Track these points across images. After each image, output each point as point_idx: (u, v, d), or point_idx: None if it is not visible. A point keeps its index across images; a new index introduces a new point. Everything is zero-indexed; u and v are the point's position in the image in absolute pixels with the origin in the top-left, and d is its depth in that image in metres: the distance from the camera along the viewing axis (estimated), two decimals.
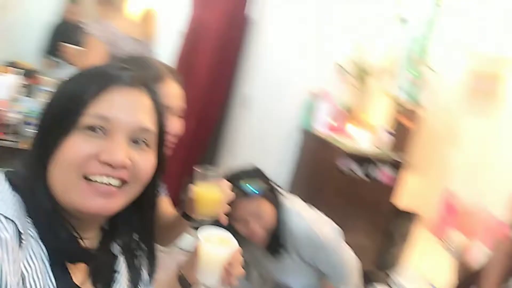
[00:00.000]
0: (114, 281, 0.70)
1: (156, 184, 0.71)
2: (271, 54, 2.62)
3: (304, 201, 1.63)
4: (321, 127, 2.53)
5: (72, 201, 0.60)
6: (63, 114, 0.60)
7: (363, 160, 2.48)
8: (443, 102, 2.98)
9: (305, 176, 2.54)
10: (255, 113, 2.70)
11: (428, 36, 2.61)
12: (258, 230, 1.45)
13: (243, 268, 0.90)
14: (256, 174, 1.48)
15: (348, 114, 2.71)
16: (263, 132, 2.66)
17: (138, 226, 0.73)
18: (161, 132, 0.68)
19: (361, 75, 2.70)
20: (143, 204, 0.70)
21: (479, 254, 1.96)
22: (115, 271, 0.70)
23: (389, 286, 2.32)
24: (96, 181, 0.60)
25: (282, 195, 1.53)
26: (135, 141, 0.63)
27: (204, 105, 2.79)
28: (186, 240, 1.36)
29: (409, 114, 2.79)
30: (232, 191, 1.20)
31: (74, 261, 0.63)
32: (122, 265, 0.72)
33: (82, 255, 0.64)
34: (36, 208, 0.59)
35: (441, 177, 3.00)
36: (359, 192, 2.44)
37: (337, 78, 2.71)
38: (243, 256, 1.01)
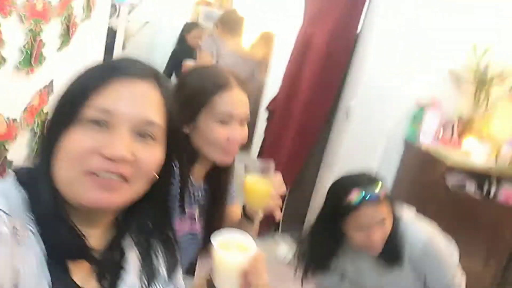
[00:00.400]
0: (119, 279, 0.67)
1: (167, 179, 0.69)
2: (376, 65, 2.54)
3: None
4: (428, 139, 2.34)
5: (74, 194, 0.59)
6: (66, 107, 0.60)
7: (479, 176, 2.20)
8: None
9: (405, 192, 2.36)
10: (357, 125, 2.63)
11: None
12: (380, 238, 1.36)
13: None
14: (378, 178, 1.40)
15: (463, 125, 2.44)
16: (364, 145, 2.57)
17: (152, 221, 0.71)
18: (171, 127, 0.66)
19: (482, 81, 2.41)
20: (155, 199, 0.69)
21: None
22: (121, 268, 0.68)
23: None
24: (98, 175, 0.58)
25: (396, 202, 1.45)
26: (141, 134, 0.61)
27: (306, 117, 2.83)
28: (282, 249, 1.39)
29: None
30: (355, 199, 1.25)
31: (74, 258, 0.61)
32: (132, 262, 0.70)
33: (82, 253, 0.62)
34: (38, 202, 0.59)
35: None
36: (473, 212, 2.17)
37: (450, 87, 2.47)
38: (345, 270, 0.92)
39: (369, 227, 1.34)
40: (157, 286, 0.74)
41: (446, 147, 2.35)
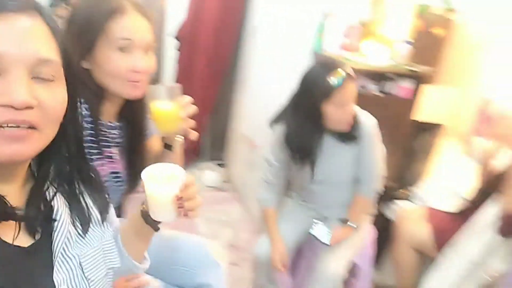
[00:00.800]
0: (52, 230, 0.66)
1: (75, 119, 0.66)
2: None
3: None
4: (332, 47, 2.45)
5: None
6: None
7: (378, 76, 2.39)
8: (481, 4, 2.72)
9: None
10: (264, 43, 2.65)
11: None
12: (353, 112, 1.67)
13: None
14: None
15: (362, 30, 2.57)
16: (276, 61, 2.62)
17: (69, 165, 0.68)
18: (68, 61, 0.61)
19: None
20: (67, 141, 0.66)
21: (505, 158, 1.90)
22: (51, 218, 0.66)
23: (411, 201, 2.33)
24: (2, 127, 0.53)
25: None
26: (37, 76, 0.56)
27: (215, 43, 2.78)
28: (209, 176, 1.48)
29: (441, 21, 2.60)
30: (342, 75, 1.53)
31: None
32: (61, 211, 0.67)
33: (4, 214, 0.59)
34: None
35: (474, 86, 2.83)
36: (374, 109, 2.39)
37: None
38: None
39: (348, 103, 1.62)
40: (94, 229, 0.73)
41: (348, 52, 2.49)
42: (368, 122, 1.76)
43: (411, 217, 2.14)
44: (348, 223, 1.87)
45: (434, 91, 2.50)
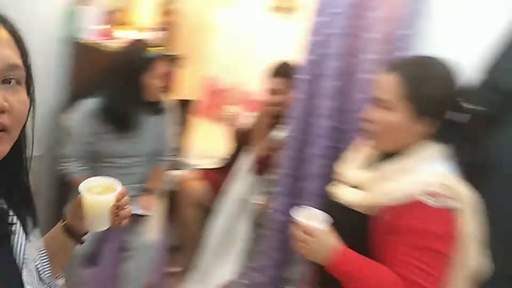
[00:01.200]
0: (13, 233, 0.66)
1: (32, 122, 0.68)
2: None
3: None
4: (88, 34, 2.46)
5: None
6: None
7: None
8: None
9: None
10: None
11: None
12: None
13: None
14: None
15: (116, 17, 2.68)
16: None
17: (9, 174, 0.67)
18: (28, 67, 0.65)
19: None
20: (25, 145, 0.68)
21: (246, 119, 2.49)
22: (11, 224, 0.65)
23: (185, 168, 2.72)
24: None
25: None
26: (5, 81, 0.59)
27: None
28: None
29: (169, 9, 2.99)
30: None
31: None
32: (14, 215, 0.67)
33: None
34: None
35: (205, 65, 3.43)
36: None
37: None
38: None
39: (162, 75, 1.98)
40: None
41: (104, 38, 2.56)
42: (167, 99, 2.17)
43: (189, 180, 2.53)
44: (151, 192, 2.09)
45: (183, 71, 2.94)
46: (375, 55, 1.62)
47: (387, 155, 1.11)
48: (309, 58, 1.75)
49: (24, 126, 0.66)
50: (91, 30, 2.48)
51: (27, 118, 0.65)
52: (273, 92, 2.18)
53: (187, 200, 2.47)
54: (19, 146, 0.66)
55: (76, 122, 1.94)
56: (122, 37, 2.62)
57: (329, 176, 1.80)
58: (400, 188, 1.01)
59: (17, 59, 0.62)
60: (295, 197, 1.83)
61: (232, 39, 3.18)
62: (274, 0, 2.93)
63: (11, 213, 0.67)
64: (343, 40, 1.68)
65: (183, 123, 2.89)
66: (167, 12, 3.04)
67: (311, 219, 1.04)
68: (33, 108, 0.68)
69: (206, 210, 2.49)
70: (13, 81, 0.61)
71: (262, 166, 2.25)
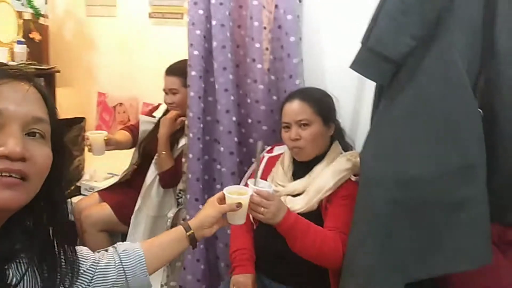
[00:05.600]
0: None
1: (59, 177, 0.69)
2: None
3: None
4: None
5: None
6: None
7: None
8: (66, 8, 3.02)
9: None
10: None
11: None
12: None
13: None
14: None
15: None
16: None
17: (43, 225, 0.70)
18: (54, 124, 0.69)
19: None
20: (50, 199, 0.69)
21: (145, 126, 2.32)
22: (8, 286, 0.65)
23: (82, 193, 2.47)
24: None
25: None
26: (29, 133, 0.63)
27: None
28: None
29: (37, 26, 2.74)
30: None
31: None
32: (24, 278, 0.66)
33: None
34: None
35: (92, 80, 3.19)
36: None
37: None
38: None
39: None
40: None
41: None
42: None
43: (88, 205, 2.28)
44: None
45: (64, 90, 2.68)
46: (261, 44, 1.61)
47: (303, 162, 1.48)
48: (195, 54, 1.68)
49: (54, 184, 0.68)
50: None
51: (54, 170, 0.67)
52: (170, 91, 2.07)
53: (90, 228, 2.22)
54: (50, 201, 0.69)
55: None
56: None
57: (240, 174, 1.75)
58: (333, 179, 1.39)
59: (43, 114, 0.66)
60: None
61: (116, 50, 2.99)
62: (153, 6, 2.81)
63: (13, 269, 0.66)
64: (228, 31, 1.64)
65: (75, 143, 2.62)
66: (33, 28, 2.80)
67: (264, 187, 1.22)
68: (58, 165, 0.69)
69: (112, 234, 2.27)
70: (37, 135, 0.65)
71: (170, 178, 2.12)
